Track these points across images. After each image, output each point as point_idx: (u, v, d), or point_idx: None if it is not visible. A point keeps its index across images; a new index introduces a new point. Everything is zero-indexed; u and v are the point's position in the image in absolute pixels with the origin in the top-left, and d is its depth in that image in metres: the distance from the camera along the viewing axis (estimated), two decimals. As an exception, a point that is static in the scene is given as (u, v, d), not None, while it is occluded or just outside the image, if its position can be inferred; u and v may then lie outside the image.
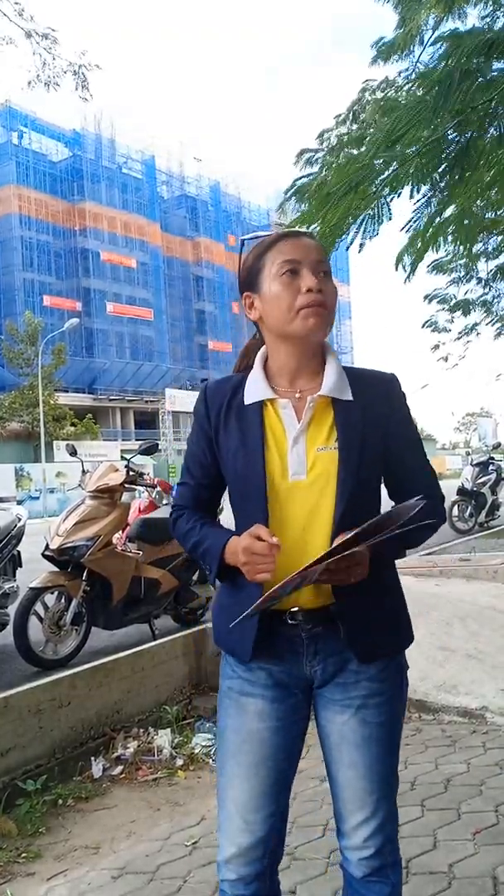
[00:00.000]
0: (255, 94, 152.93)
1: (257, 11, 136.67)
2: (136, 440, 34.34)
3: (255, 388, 1.33)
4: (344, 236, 3.77)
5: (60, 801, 2.59)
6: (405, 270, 4.83)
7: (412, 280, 5.01)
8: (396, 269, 4.96)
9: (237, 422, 1.32)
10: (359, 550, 1.14)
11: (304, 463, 1.27)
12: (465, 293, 8.94)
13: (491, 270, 8.26)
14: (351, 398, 1.31)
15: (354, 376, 1.34)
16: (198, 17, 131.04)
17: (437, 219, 4.44)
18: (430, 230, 4.50)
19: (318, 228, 3.66)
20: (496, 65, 3.30)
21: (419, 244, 4.71)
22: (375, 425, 1.30)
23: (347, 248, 3.88)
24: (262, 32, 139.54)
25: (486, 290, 8.82)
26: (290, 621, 1.28)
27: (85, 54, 8.60)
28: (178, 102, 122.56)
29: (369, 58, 6.19)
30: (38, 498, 24.56)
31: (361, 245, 3.61)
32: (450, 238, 5.40)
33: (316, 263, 1.28)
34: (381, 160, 3.15)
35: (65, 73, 8.47)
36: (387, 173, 3.27)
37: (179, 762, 2.88)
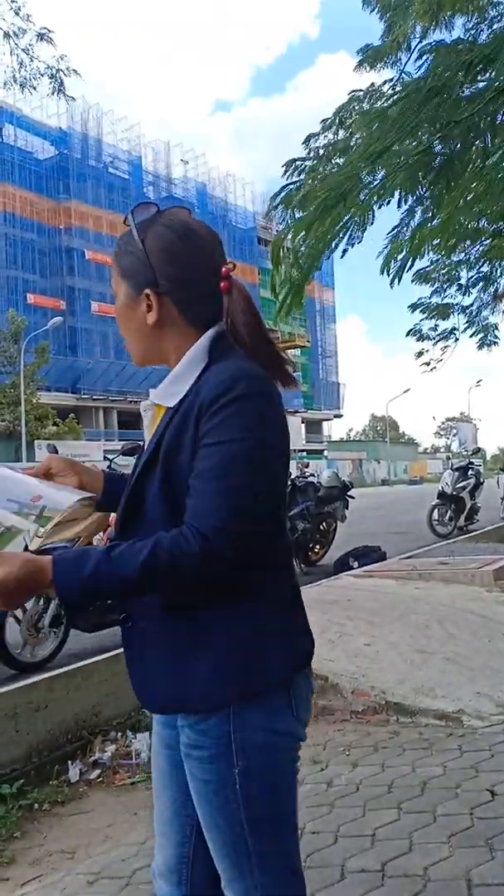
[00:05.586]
0: (243, 96, 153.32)
1: (248, 10, 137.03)
2: (120, 440, 34.12)
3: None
4: (332, 248, 3.80)
5: (36, 806, 2.57)
6: (388, 276, 4.88)
7: (397, 286, 5.06)
8: (382, 273, 5.01)
9: None
10: None
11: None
12: (444, 298, 9.10)
13: (471, 277, 8.40)
14: (172, 405, 1.15)
15: (206, 378, 1.14)
16: (189, 17, 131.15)
17: (421, 229, 4.49)
18: (416, 240, 4.55)
19: (308, 240, 3.69)
20: (480, 81, 3.34)
21: (404, 251, 4.76)
22: (181, 432, 1.11)
23: (341, 255, 3.89)
24: (249, 33, 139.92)
25: (465, 295, 8.98)
26: None
27: (64, 58, 8.61)
28: (165, 103, 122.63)
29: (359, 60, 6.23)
30: (18, 498, 24.32)
31: (344, 251, 3.64)
32: (434, 245, 5.45)
33: None
34: (367, 171, 3.19)
35: (42, 75, 8.47)
36: (373, 184, 3.31)
37: (157, 766, 2.87)
